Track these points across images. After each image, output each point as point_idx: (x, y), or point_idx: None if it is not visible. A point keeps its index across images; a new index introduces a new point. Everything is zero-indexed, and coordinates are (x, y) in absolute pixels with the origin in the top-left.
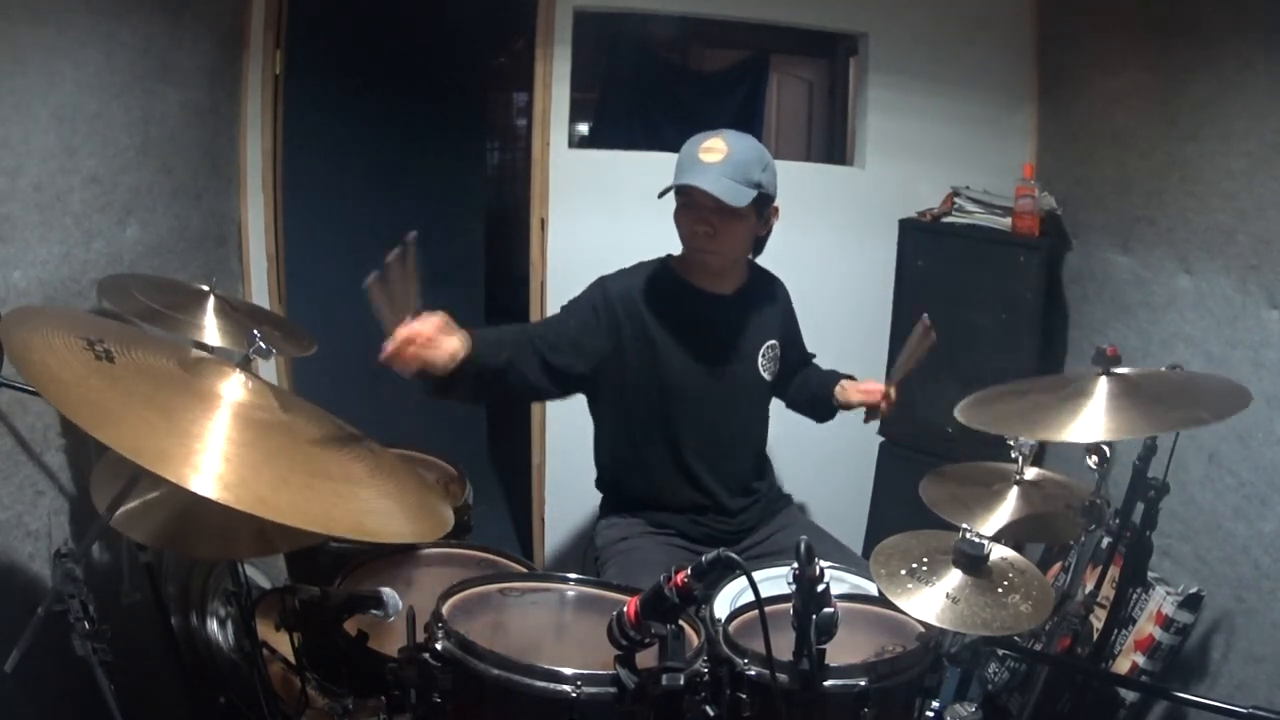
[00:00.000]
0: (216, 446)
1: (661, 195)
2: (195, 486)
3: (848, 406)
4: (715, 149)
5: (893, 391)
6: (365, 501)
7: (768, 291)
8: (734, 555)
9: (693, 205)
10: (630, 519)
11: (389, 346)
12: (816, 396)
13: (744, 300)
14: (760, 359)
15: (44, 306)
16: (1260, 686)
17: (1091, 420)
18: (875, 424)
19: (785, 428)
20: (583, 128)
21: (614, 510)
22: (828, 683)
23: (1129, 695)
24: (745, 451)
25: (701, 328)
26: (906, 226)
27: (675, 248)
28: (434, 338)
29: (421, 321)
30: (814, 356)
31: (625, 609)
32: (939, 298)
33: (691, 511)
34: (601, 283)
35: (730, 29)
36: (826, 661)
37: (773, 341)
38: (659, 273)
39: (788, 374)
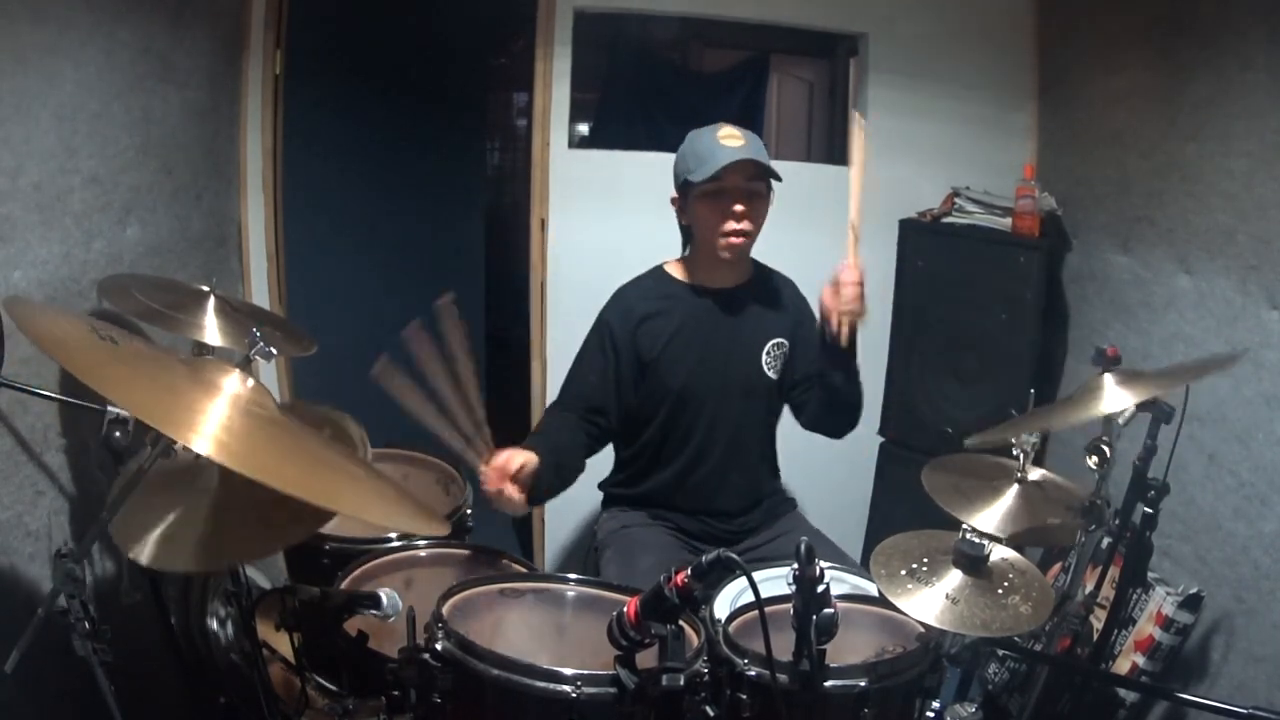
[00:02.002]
0: (215, 419)
1: (705, 181)
2: (197, 447)
3: (835, 333)
4: (733, 135)
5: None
6: (369, 492)
7: (776, 290)
8: (734, 555)
9: (723, 191)
10: (633, 511)
11: (489, 485)
12: (822, 382)
13: (746, 296)
14: (764, 356)
15: (43, 304)
16: (1260, 686)
17: (1105, 400)
18: (875, 424)
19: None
20: (583, 128)
21: (616, 503)
22: (828, 683)
23: (1129, 695)
24: (749, 453)
25: (701, 325)
26: (906, 226)
27: (674, 248)
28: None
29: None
30: None
31: (625, 609)
32: (939, 298)
33: (692, 513)
34: (601, 317)
35: (730, 29)
36: (826, 662)
37: (780, 340)
38: (653, 281)
39: (802, 387)
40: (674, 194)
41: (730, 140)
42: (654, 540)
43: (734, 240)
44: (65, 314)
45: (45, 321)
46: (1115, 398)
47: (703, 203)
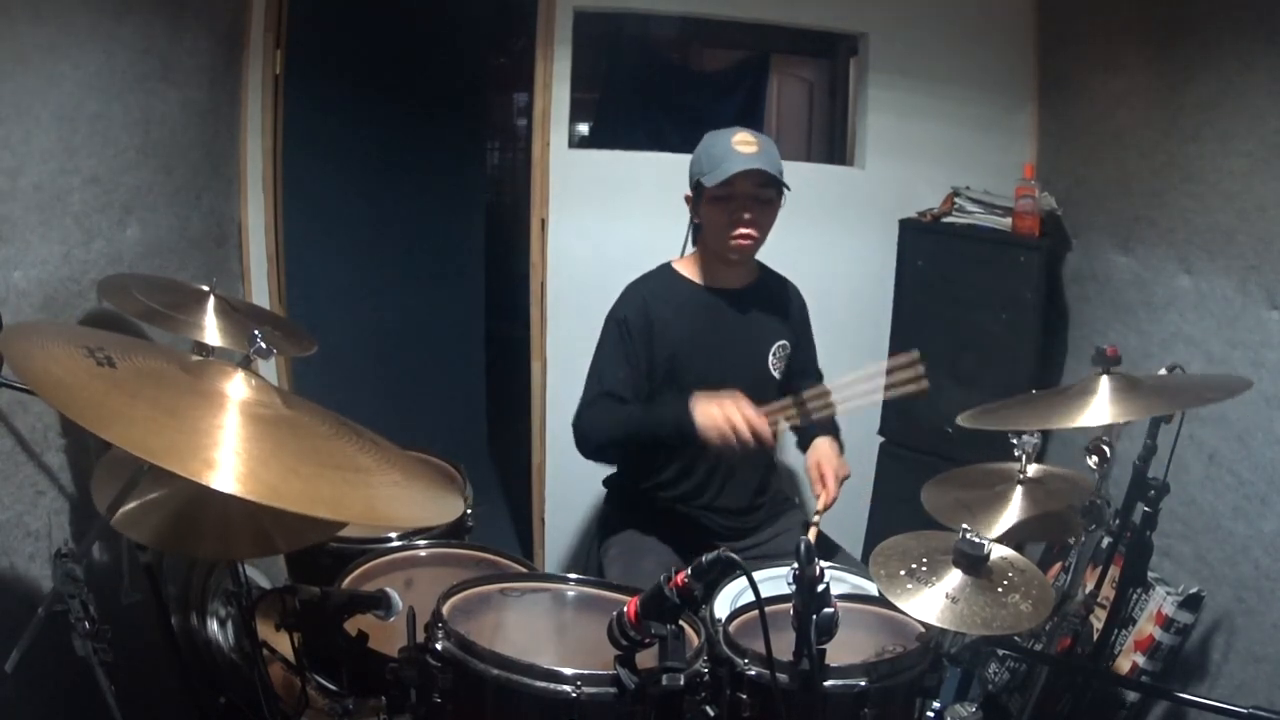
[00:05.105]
0: (224, 441)
1: (715, 186)
2: (207, 480)
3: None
4: (748, 142)
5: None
6: (375, 489)
7: (780, 292)
8: (734, 555)
9: (732, 196)
10: (636, 511)
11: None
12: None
13: (753, 297)
14: (771, 356)
15: (38, 323)
16: (1260, 686)
17: (1098, 407)
18: (875, 424)
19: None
20: (583, 128)
21: (620, 498)
22: (828, 683)
23: (1129, 695)
24: (755, 451)
25: (712, 324)
26: (906, 226)
27: (673, 249)
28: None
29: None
30: (821, 379)
31: (625, 609)
32: (939, 298)
33: (696, 508)
34: (614, 315)
35: (730, 29)
36: (826, 661)
37: (784, 341)
38: (663, 279)
39: (791, 386)
40: (688, 192)
41: (744, 146)
42: (656, 541)
43: (740, 243)
44: (59, 338)
45: (41, 357)
46: (1105, 412)
47: (713, 206)
